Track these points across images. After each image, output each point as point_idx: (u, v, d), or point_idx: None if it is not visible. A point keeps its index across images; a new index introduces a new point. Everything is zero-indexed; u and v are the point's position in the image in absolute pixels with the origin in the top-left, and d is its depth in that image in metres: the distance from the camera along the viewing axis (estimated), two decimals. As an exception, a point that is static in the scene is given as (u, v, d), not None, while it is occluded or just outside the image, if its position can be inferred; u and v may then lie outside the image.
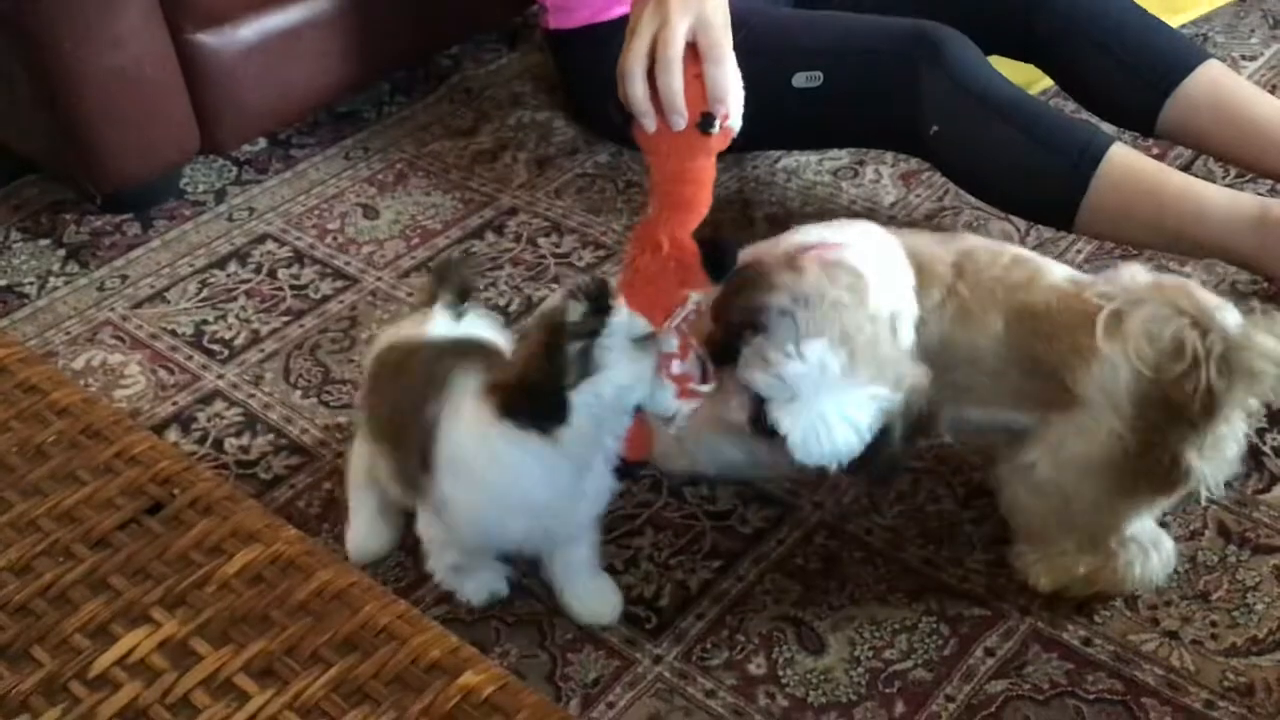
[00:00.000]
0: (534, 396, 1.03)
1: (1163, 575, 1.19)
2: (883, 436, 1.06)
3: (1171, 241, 1.52)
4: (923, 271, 1.16)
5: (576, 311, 1.02)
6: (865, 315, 1.06)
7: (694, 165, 1.14)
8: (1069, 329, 1.11)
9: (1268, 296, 1.47)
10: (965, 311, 1.14)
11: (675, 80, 1.11)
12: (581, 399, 1.03)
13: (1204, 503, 1.23)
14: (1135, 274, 1.15)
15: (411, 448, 1.10)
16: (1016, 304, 1.13)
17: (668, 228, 1.11)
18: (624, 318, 1.05)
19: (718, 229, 1.13)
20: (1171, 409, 1.07)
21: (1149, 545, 1.18)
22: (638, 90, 1.13)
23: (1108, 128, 1.76)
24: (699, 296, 1.10)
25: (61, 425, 0.89)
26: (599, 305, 1.03)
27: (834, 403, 1.03)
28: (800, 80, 1.62)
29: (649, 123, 1.14)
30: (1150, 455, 1.09)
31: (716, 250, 1.10)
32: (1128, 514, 1.15)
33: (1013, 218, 1.68)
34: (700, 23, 1.14)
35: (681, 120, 1.12)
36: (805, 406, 1.02)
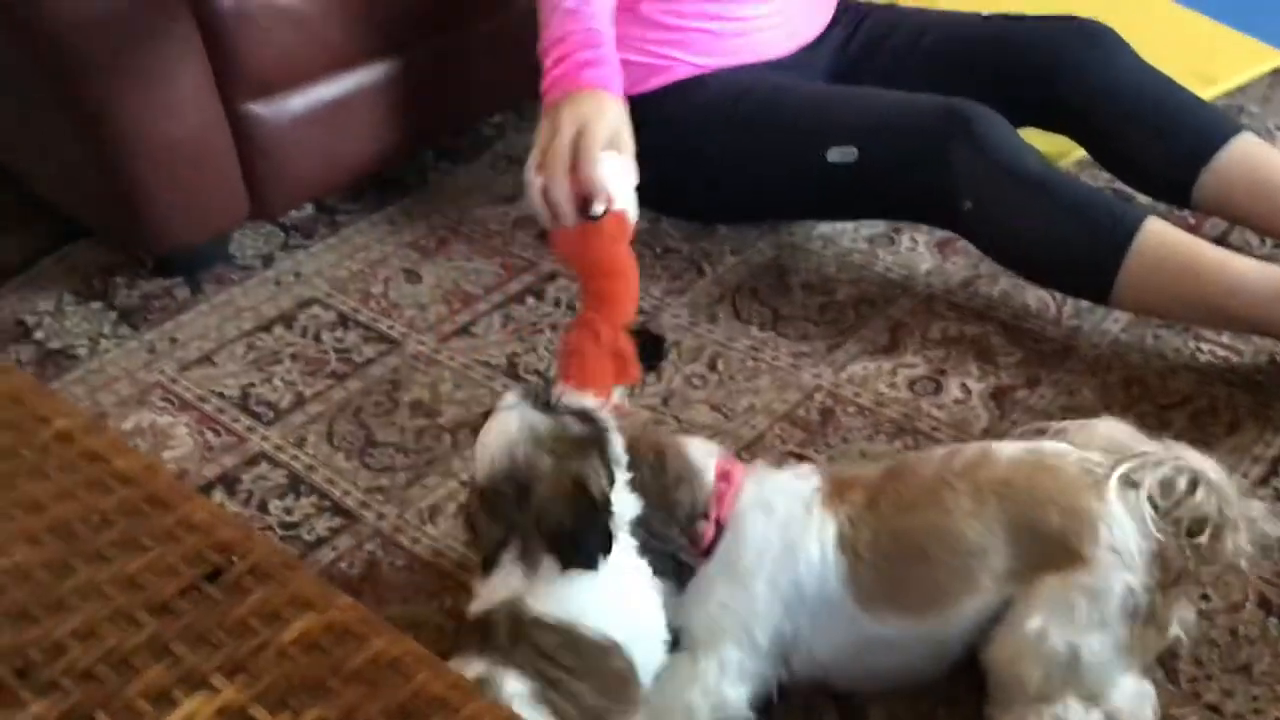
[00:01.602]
0: (584, 537, 1.04)
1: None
2: None
3: (1207, 316, 1.54)
4: (841, 481, 1.16)
5: (570, 427, 1.05)
6: None
7: (605, 255, 1.28)
8: (1061, 493, 1.11)
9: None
10: (912, 503, 1.13)
11: (557, 188, 1.32)
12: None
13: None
14: (1114, 431, 1.18)
15: None
16: (981, 480, 1.13)
17: (602, 320, 1.23)
18: (613, 424, 1.09)
19: (648, 322, 1.22)
20: (1165, 565, 1.10)
21: (1141, 690, 1.15)
22: (535, 197, 1.34)
23: (1142, 199, 1.79)
24: (623, 390, 1.25)
25: (124, 493, 0.91)
26: (586, 416, 1.07)
27: None
28: (835, 155, 1.65)
29: (545, 221, 1.35)
30: (1152, 609, 1.11)
31: (650, 341, 1.25)
32: (1128, 667, 1.13)
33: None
34: (580, 130, 1.35)
35: (568, 218, 1.31)
36: None
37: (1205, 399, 1.51)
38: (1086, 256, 1.55)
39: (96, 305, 1.80)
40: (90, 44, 1.58)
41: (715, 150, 1.74)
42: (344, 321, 1.74)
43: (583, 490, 1.04)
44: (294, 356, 1.69)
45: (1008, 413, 1.52)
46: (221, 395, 1.63)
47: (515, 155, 2.05)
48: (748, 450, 1.49)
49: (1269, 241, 1.75)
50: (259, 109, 1.73)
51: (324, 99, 1.78)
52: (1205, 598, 1.26)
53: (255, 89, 1.72)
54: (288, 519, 1.45)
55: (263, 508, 1.47)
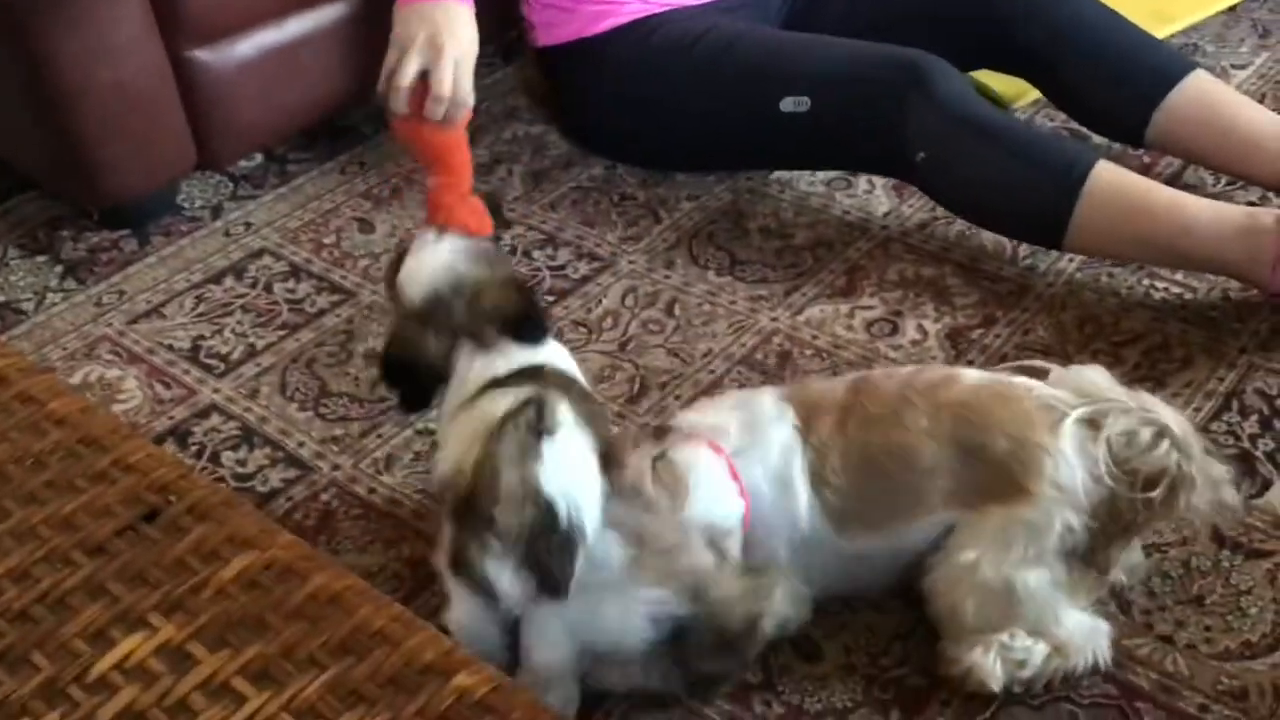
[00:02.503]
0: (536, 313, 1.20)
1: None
2: (678, 639, 1.07)
3: (1160, 255, 1.54)
4: (812, 407, 1.15)
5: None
6: (673, 521, 1.08)
7: (452, 140, 1.50)
8: (1014, 423, 1.11)
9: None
10: (875, 419, 1.13)
11: (399, 99, 1.51)
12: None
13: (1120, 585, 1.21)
14: (1097, 377, 1.17)
15: None
16: (941, 400, 1.13)
17: (456, 184, 1.46)
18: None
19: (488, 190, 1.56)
20: (1115, 513, 1.10)
21: (1094, 625, 1.15)
22: (402, 98, 1.50)
23: (1097, 140, 1.79)
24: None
25: (59, 434, 0.90)
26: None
27: (610, 596, 1.06)
28: (788, 105, 1.64)
29: (395, 112, 1.51)
30: (1091, 551, 1.11)
31: (493, 203, 1.43)
32: (1069, 604, 1.13)
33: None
34: (430, 40, 1.51)
35: (439, 110, 1.48)
36: (580, 590, 1.02)
37: (1159, 335, 1.51)
38: (1039, 204, 1.55)
39: (42, 259, 1.76)
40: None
41: (669, 96, 1.72)
42: (296, 272, 1.72)
43: (522, 283, 1.25)
44: (245, 308, 1.66)
45: (964, 352, 1.52)
46: (171, 348, 1.61)
47: (469, 103, 2.02)
48: (706, 394, 1.48)
49: (1222, 180, 1.75)
50: (204, 54, 1.70)
51: (272, 44, 1.75)
52: (1157, 531, 1.27)
53: (200, 33, 1.68)
54: (241, 470, 1.43)
55: (215, 460, 1.45)
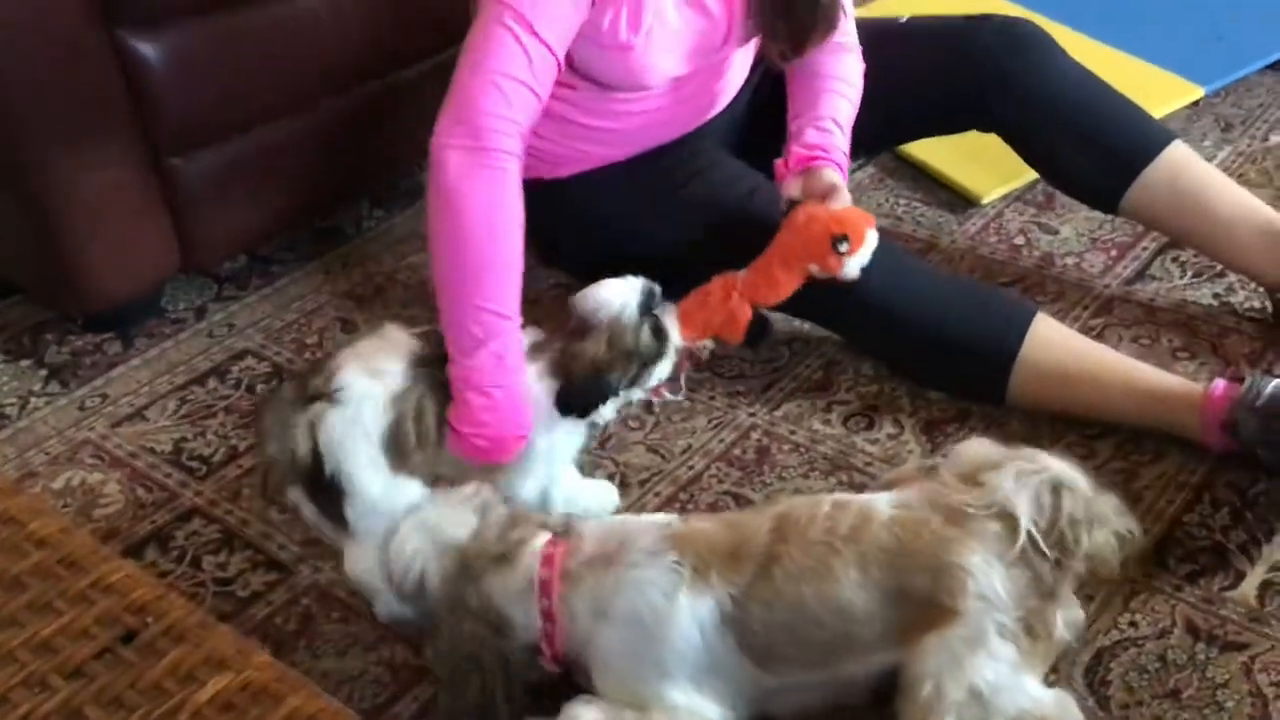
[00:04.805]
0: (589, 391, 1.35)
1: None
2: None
3: (1102, 416, 1.54)
4: (709, 559, 1.15)
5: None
6: None
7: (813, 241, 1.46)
8: (930, 552, 1.13)
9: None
10: (806, 571, 1.14)
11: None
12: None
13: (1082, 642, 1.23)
14: (978, 449, 1.20)
15: None
16: (864, 546, 1.14)
17: (744, 285, 1.47)
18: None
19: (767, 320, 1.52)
20: (1038, 582, 1.12)
21: (1058, 696, 1.16)
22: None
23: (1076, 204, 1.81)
24: (711, 344, 1.51)
25: (39, 556, 0.91)
26: (659, 330, 1.39)
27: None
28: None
29: None
30: (1032, 627, 1.13)
31: (760, 323, 1.48)
32: (1033, 678, 1.14)
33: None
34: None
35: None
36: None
37: (1129, 429, 1.53)
38: (974, 386, 1.58)
39: (26, 363, 1.78)
40: (14, 99, 1.57)
41: (635, 229, 1.68)
42: (278, 373, 1.74)
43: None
44: (227, 409, 1.68)
45: (940, 446, 1.54)
46: (154, 450, 1.62)
47: (450, 202, 2.05)
48: (685, 490, 1.49)
49: (1191, 268, 1.78)
50: (187, 161, 1.73)
51: (253, 148, 1.78)
52: (1133, 624, 1.28)
53: (182, 141, 1.72)
54: (222, 574, 1.44)
55: (196, 564, 1.45)
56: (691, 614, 1.13)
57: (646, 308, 1.38)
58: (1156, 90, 2.04)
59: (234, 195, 1.78)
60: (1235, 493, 1.44)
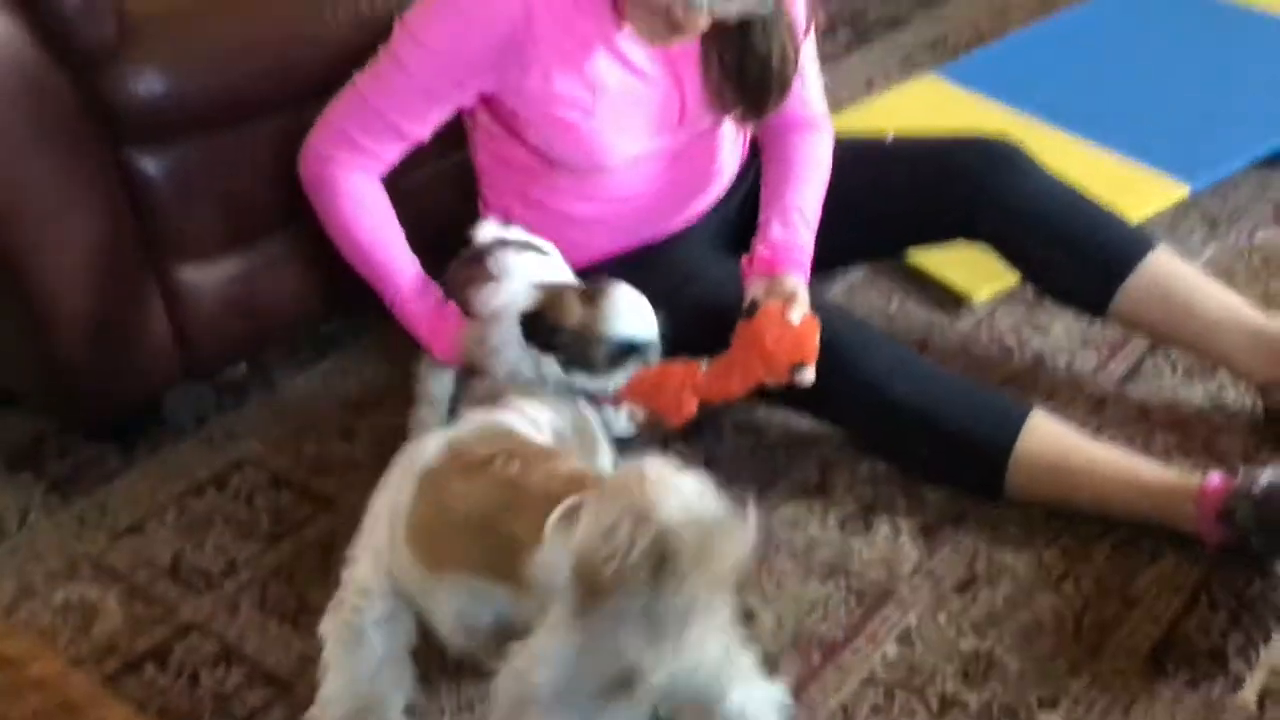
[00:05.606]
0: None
1: None
2: None
3: (1096, 511, 1.55)
4: None
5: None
6: None
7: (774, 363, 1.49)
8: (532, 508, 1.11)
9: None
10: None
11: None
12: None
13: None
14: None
15: None
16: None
17: (699, 384, 1.48)
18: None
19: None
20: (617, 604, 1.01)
21: None
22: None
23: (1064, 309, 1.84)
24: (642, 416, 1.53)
25: (38, 699, 0.90)
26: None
27: None
28: None
29: None
30: (599, 655, 1.02)
31: (697, 424, 1.50)
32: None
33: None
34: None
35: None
36: None
37: (1126, 530, 1.54)
38: (970, 480, 1.60)
39: (26, 476, 1.78)
40: (13, 214, 1.58)
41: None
42: (277, 482, 1.74)
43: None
44: (226, 520, 1.68)
45: (936, 550, 1.54)
46: (152, 564, 1.62)
47: (448, 306, 2.06)
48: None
49: (1182, 368, 1.80)
50: (189, 272, 1.73)
51: (255, 258, 1.79)
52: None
53: (184, 253, 1.73)
54: (220, 690, 1.44)
55: (194, 680, 1.45)
56: None
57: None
58: (1143, 191, 2.06)
59: (237, 304, 1.78)
60: (1232, 594, 1.44)
